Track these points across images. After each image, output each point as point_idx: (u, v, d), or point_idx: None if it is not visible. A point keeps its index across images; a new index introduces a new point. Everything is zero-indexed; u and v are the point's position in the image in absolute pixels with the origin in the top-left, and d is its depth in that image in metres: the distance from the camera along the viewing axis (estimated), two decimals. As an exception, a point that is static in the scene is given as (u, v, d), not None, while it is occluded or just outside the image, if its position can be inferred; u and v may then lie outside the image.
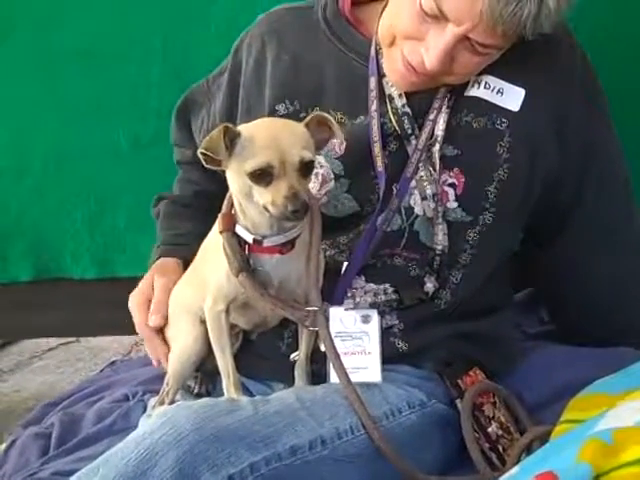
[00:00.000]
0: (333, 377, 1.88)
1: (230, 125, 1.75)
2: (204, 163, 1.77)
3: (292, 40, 2.12)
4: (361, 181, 1.99)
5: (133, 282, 3.19)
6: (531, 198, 2.04)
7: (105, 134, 3.06)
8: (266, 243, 1.81)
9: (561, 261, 2.17)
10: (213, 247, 1.93)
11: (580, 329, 2.24)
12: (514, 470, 1.65)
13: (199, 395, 2.11)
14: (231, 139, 1.74)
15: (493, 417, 1.96)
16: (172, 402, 2.03)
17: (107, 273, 3.23)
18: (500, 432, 1.95)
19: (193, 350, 2.03)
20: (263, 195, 1.72)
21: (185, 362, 2.03)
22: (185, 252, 2.16)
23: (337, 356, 1.83)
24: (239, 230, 1.83)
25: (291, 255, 1.84)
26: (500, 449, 1.92)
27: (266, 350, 1.99)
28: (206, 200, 2.26)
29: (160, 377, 2.53)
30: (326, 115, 1.79)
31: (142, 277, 3.16)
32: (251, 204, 1.77)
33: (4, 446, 2.38)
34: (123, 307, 3.29)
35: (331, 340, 1.84)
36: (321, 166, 1.99)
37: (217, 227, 1.92)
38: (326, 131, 1.80)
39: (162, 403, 2.04)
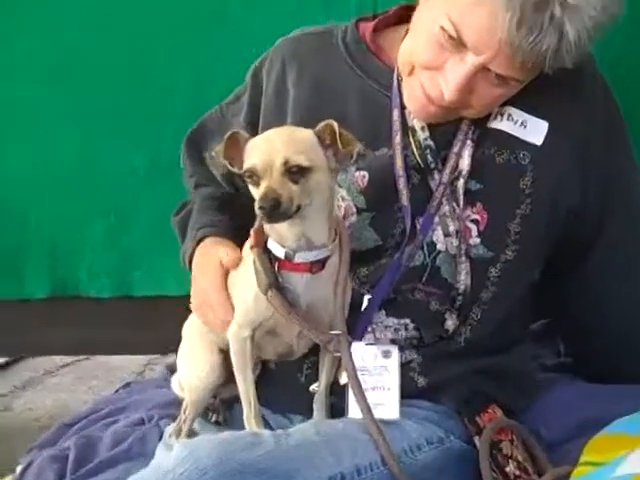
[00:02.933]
0: (352, 411, 1.88)
1: (239, 131, 1.79)
2: (229, 167, 1.80)
3: (313, 66, 2.11)
4: (384, 215, 1.99)
5: (147, 301, 3.23)
6: (553, 233, 2.03)
7: (125, 154, 3.09)
8: (297, 259, 1.80)
9: (580, 291, 2.15)
10: (240, 270, 1.92)
11: (599, 361, 2.22)
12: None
13: (217, 423, 2.11)
14: (244, 143, 1.78)
15: (511, 456, 1.94)
16: (190, 430, 2.04)
17: (122, 292, 3.23)
18: (517, 472, 1.92)
19: (211, 378, 2.02)
20: (255, 195, 1.73)
21: (203, 390, 2.03)
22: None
23: (359, 386, 1.82)
24: (271, 245, 1.82)
25: (320, 276, 1.83)
26: (517, 489, 1.89)
27: (285, 381, 1.98)
28: (234, 208, 2.22)
29: (175, 401, 2.53)
30: (331, 123, 1.74)
31: (156, 297, 3.21)
32: None
33: (20, 468, 2.37)
34: (137, 326, 3.33)
35: (353, 365, 1.83)
36: (343, 199, 1.98)
37: (245, 247, 1.93)
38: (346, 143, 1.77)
39: (179, 431, 2.04)
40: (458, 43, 1.82)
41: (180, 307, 3.03)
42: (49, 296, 3.28)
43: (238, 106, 2.24)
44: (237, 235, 2.06)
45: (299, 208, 1.71)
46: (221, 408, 2.13)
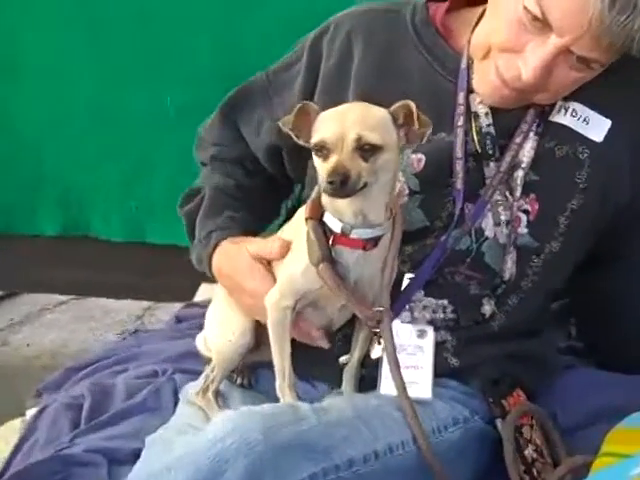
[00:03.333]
0: (384, 387, 1.90)
1: (309, 103, 1.78)
2: (295, 138, 1.79)
3: (379, 42, 2.07)
4: (434, 197, 1.98)
5: (161, 249, 3.22)
6: (598, 227, 2.03)
7: (153, 97, 3.08)
8: (353, 235, 1.79)
9: (607, 280, 2.15)
10: (293, 239, 1.91)
11: (610, 349, 2.24)
12: (560, 500, 1.67)
13: (241, 386, 2.12)
14: (315, 115, 1.76)
15: (530, 439, 1.96)
16: (216, 391, 2.05)
17: (136, 237, 3.22)
18: (535, 455, 1.95)
19: (241, 341, 2.02)
20: (321, 169, 1.72)
21: (232, 354, 2.03)
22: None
23: (397, 364, 1.83)
24: (328, 218, 1.82)
25: (371, 254, 1.82)
26: (535, 472, 1.92)
27: (315, 350, 1.97)
28: (249, 194, 2.23)
29: (188, 355, 2.57)
30: (409, 104, 1.74)
31: (172, 245, 3.19)
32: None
33: (31, 413, 2.37)
34: (145, 272, 3.32)
35: (393, 344, 1.84)
36: (398, 181, 1.96)
37: (295, 219, 1.93)
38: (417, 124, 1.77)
39: (206, 391, 2.04)
40: (543, 24, 1.79)
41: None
42: (59, 234, 3.27)
43: (290, 75, 2.19)
44: (250, 231, 2.09)
45: (365, 185, 1.70)
46: (246, 371, 2.14)
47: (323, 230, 1.82)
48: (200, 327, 2.76)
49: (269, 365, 2.09)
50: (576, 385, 2.19)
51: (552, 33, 1.79)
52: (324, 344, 1.95)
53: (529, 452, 1.94)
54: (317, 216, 1.83)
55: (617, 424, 1.92)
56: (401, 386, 1.82)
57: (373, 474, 1.76)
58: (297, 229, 1.90)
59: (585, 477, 1.79)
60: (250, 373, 2.15)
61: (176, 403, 2.30)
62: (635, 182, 2.02)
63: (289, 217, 2.14)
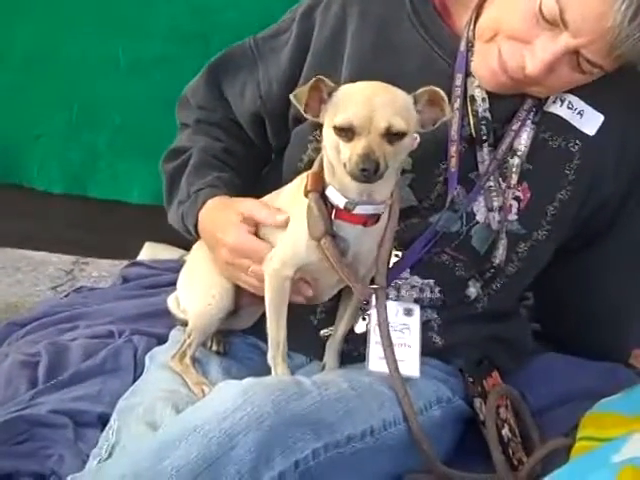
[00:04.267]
0: (372, 364, 1.89)
1: (324, 78, 1.74)
2: (302, 112, 1.76)
3: (376, 16, 2.04)
4: (425, 178, 1.98)
5: (102, 204, 3.12)
6: (579, 219, 2.07)
7: (104, 46, 2.95)
8: (357, 211, 1.78)
9: (573, 272, 2.18)
10: (290, 208, 1.88)
11: (567, 334, 2.28)
12: (543, 482, 1.70)
13: (217, 352, 2.08)
14: (328, 93, 1.74)
15: (506, 420, 1.99)
16: (194, 357, 2.00)
17: (76, 191, 3.11)
18: (510, 435, 1.98)
19: (221, 306, 2.00)
20: (344, 150, 1.70)
21: (212, 318, 2.00)
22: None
23: (390, 342, 1.84)
24: (331, 192, 1.79)
25: (370, 230, 1.81)
26: (510, 452, 1.94)
27: (296, 320, 1.94)
28: (235, 158, 2.19)
29: (144, 316, 2.53)
30: (439, 91, 1.74)
31: (114, 201, 3.09)
32: (340, 164, 1.73)
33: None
34: (82, 226, 3.21)
35: (387, 321, 1.85)
36: None
37: (292, 189, 1.90)
38: (437, 111, 1.76)
39: (183, 356, 2.00)
40: (559, 22, 1.79)
41: (137, 215, 2.99)
42: (-9, 182, 3.13)
43: (279, 42, 2.14)
44: (240, 192, 2.05)
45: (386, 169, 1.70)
46: (221, 338, 2.10)
47: (325, 204, 1.80)
48: (149, 287, 2.75)
49: (242, 333, 2.13)
50: (544, 368, 2.22)
51: (565, 32, 1.79)
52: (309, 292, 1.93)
53: (505, 432, 1.97)
54: (319, 189, 1.81)
55: (590, 408, 1.98)
56: (393, 364, 1.83)
57: (367, 451, 1.77)
58: (295, 199, 1.87)
59: (564, 459, 1.85)
60: (224, 340, 2.10)
61: (136, 365, 2.29)
62: (619, 176, 2.05)
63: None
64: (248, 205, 1.95)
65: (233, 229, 1.94)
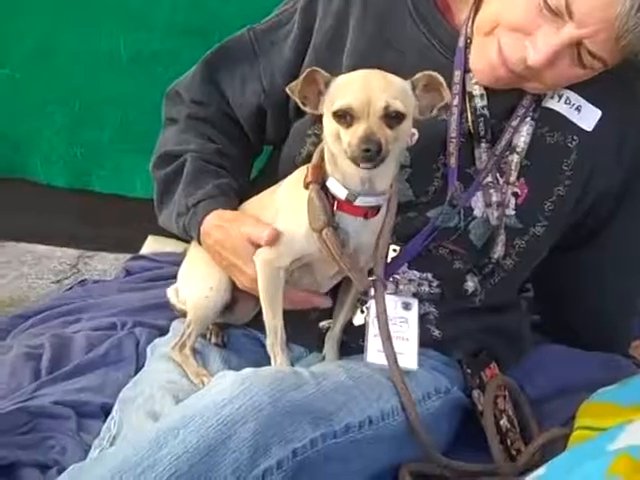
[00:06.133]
0: (371, 356, 1.90)
1: (319, 69, 1.75)
2: (301, 105, 1.77)
3: (377, 9, 2.04)
4: (423, 173, 1.99)
5: (105, 198, 3.14)
6: (577, 214, 2.08)
7: (106, 41, 2.96)
8: (358, 202, 1.79)
9: (572, 267, 2.20)
10: (288, 201, 1.89)
11: (570, 328, 2.29)
12: (541, 471, 1.71)
13: (216, 345, 2.10)
14: (325, 83, 1.75)
15: (504, 410, 2.01)
16: (193, 347, 2.02)
17: (79, 184, 3.13)
18: (508, 425, 2.00)
19: (218, 297, 2.01)
20: (345, 137, 1.70)
21: (209, 309, 2.01)
22: (235, 204, 2.06)
23: (389, 333, 1.85)
24: (332, 184, 1.80)
25: (370, 222, 1.82)
26: (508, 442, 1.97)
27: (295, 313, 1.96)
28: (229, 159, 2.17)
29: (146, 308, 2.55)
30: (436, 76, 1.75)
31: (117, 196, 3.11)
32: (342, 152, 1.74)
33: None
34: (85, 220, 3.24)
35: (386, 313, 1.86)
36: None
37: (291, 182, 1.90)
38: (434, 97, 1.77)
39: (183, 347, 2.01)
40: (564, 12, 1.78)
41: (140, 208, 2.99)
42: (-5, 176, 3.16)
43: (279, 35, 2.13)
44: (238, 194, 2.07)
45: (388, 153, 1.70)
46: (219, 331, 2.12)
47: (326, 195, 1.80)
48: (151, 279, 2.77)
49: (242, 325, 2.14)
50: (543, 359, 2.24)
51: (570, 22, 1.79)
52: (328, 302, 1.96)
53: (504, 422, 1.99)
54: (319, 180, 1.82)
55: (587, 398, 2.00)
56: (392, 355, 1.84)
57: (364, 441, 1.78)
58: (294, 192, 1.88)
59: (562, 448, 1.87)
60: (223, 332, 2.12)
61: (138, 357, 2.32)
62: (616, 171, 2.06)
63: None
64: (246, 229, 1.92)
65: (243, 254, 1.92)
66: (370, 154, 1.66)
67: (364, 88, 1.70)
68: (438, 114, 1.86)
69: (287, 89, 1.78)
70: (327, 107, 1.74)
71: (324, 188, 1.81)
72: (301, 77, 1.75)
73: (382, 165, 1.72)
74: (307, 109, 1.78)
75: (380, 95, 1.68)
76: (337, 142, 1.73)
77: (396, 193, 1.87)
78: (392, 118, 1.69)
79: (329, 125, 1.74)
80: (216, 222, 1.99)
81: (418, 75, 1.75)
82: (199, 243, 2.05)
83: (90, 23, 2.97)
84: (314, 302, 1.95)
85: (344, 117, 1.69)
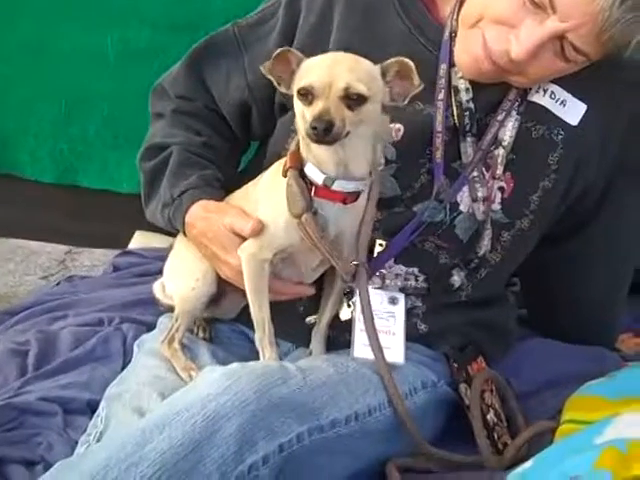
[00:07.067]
0: (358, 350, 1.90)
1: (292, 49, 1.77)
2: (276, 85, 1.79)
3: (362, 3, 2.04)
4: (409, 168, 1.98)
5: (92, 194, 3.14)
6: (563, 207, 2.08)
7: (93, 37, 2.96)
8: (335, 187, 1.79)
9: (557, 261, 2.21)
10: (268, 190, 1.90)
11: (557, 321, 2.30)
12: (528, 464, 1.72)
13: (204, 339, 2.10)
14: (297, 63, 1.76)
15: (491, 405, 2.02)
16: (182, 341, 2.02)
17: (66, 180, 3.12)
18: (495, 419, 2.00)
19: (204, 289, 2.01)
20: (306, 115, 1.71)
21: (196, 301, 2.02)
22: (220, 195, 2.06)
23: (372, 321, 1.85)
24: (309, 169, 1.81)
25: (350, 209, 1.83)
26: (495, 436, 1.97)
27: (282, 308, 1.96)
28: (215, 151, 2.17)
29: (133, 303, 2.55)
30: (407, 61, 1.74)
31: (105, 191, 3.11)
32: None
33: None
34: (72, 216, 3.23)
35: (368, 297, 1.86)
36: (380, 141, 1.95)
37: (271, 172, 1.91)
38: (408, 84, 1.76)
39: (171, 341, 2.02)
40: (547, 5, 1.78)
41: (127, 204, 2.99)
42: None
43: (264, 30, 2.14)
44: (222, 186, 2.07)
45: (347, 135, 1.70)
46: (206, 326, 2.13)
47: (304, 181, 1.81)
48: (139, 275, 2.76)
49: (230, 320, 2.15)
50: (529, 353, 2.24)
51: (553, 16, 1.79)
52: (311, 290, 1.97)
53: (491, 417, 1.99)
54: (298, 167, 1.82)
55: (574, 392, 2.00)
56: (378, 347, 1.84)
57: (351, 436, 1.79)
58: (274, 182, 1.88)
59: (549, 441, 1.87)
60: (210, 327, 2.13)
61: (125, 353, 2.31)
62: (602, 165, 2.07)
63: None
64: (229, 220, 1.93)
65: (229, 245, 1.93)
66: (317, 131, 1.66)
67: (329, 68, 1.71)
68: (413, 101, 1.86)
69: (261, 67, 1.78)
70: (295, 86, 1.75)
71: (302, 174, 1.81)
72: (273, 55, 1.76)
73: (350, 146, 1.74)
74: (282, 89, 1.79)
75: (343, 76, 1.69)
76: (302, 121, 1.73)
77: (378, 182, 1.87)
78: (353, 100, 1.69)
79: (296, 104, 1.75)
80: (200, 213, 2.00)
81: (389, 61, 1.75)
82: (184, 234, 2.05)
83: (77, 19, 2.96)
84: (298, 291, 1.96)
85: (306, 96, 1.70)
